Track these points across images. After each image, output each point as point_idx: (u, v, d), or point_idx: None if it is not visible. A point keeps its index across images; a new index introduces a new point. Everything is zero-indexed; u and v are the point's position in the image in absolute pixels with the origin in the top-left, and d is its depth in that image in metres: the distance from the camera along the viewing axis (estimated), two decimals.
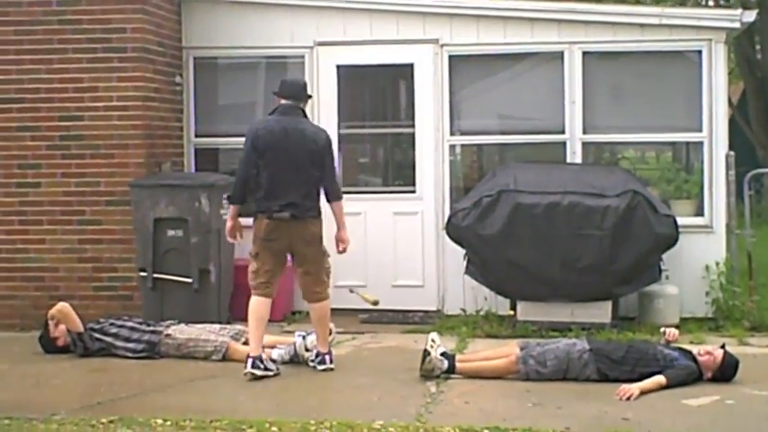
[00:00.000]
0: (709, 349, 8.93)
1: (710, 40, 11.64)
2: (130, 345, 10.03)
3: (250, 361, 9.07)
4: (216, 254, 11.07)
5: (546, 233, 10.78)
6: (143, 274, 11.19)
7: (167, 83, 12.10)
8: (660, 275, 10.98)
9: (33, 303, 11.55)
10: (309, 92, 9.97)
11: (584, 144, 11.92)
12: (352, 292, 11.08)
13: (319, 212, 9.34)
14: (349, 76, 12.40)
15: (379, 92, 13.88)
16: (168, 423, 7.67)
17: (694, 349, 9.03)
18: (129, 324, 10.25)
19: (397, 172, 13.23)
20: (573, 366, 8.87)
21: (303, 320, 11.14)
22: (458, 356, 9.23)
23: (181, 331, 10.13)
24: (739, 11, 11.94)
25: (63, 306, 10.19)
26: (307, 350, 9.55)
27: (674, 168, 12.38)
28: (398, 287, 12.09)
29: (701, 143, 11.77)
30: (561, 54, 11.90)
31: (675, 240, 10.85)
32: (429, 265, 12.07)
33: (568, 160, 11.84)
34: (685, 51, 11.90)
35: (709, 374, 8.79)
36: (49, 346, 10.23)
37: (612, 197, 10.79)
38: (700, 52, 11.70)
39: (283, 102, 9.39)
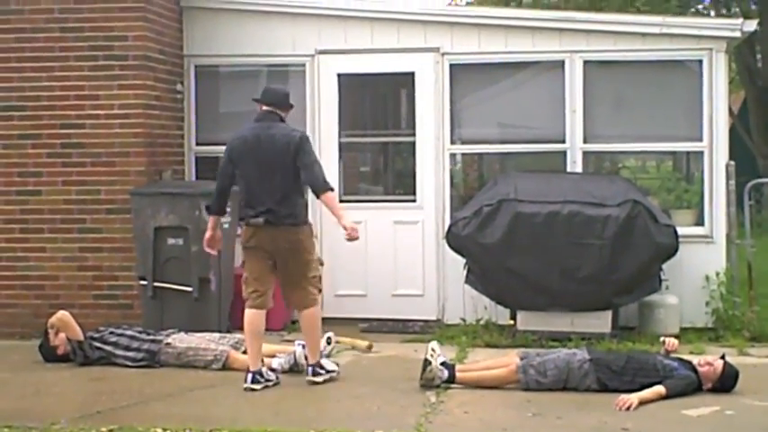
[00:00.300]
0: (709, 360, 8.92)
1: (711, 49, 11.65)
2: (130, 353, 10.03)
3: (250, 376, 9.07)
4: (216, 263, 11.05)
5: (546, 242, 10.78)
6: (143, 282, 11.19)
7: (168, 91, 12.11)
8: (660, 285, 10.97)
9: (33, 312, 11.54)
10: (293, 101, 9.73)
11: (585, 153, 11.93)
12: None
13: (301, 220, 9.14)
14: (350, 85, 12.41)
15: (379, 100, 13.90)
16: None
17: (694, 360, 9.03)
18: (129, 333, 10.25)
19: (397, 181, 13.23)
20: (573, 376, 8.86)
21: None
22: (458, 366, 9.23)
23: (180, 340, 10.12)
24: (740, 20, 11.96)
25: (63, 314, 10.19)
26: (306, 359, 9.54)
27: (674, 178, 12.41)
28: (398, 296, 12.09)
29: (701, 152, 11.77)
30: (562, 63, 11.91)
31: (676, 250, 10.84)
32: (429, 275, 12.07)
33: (569, 169, 11.85)
34: (686, 60, 11.91)
35: (709, 385, 8.78)
36: (49, 354, 10.23)
37: (613, 206, 10.78)
38: (700, 61, 11.71)
39: (264, 109, 9.35)
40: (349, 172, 12.88)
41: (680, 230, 10.95)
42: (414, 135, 12.21)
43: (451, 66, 12.09)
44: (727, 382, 8.80)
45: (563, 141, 11.88)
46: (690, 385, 8.70)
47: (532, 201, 10.93)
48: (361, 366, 10.11)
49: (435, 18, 12.14)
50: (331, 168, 12.07)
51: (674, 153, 13.05)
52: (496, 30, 12.03)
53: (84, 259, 11.64)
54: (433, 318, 12.03)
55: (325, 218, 11.87)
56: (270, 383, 9.09)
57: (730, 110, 17.30)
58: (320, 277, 9.42)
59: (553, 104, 11.97)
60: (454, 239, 11.19)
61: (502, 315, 11.42)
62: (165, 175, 11.91)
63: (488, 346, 10.84)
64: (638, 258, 10.72)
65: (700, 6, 27.75)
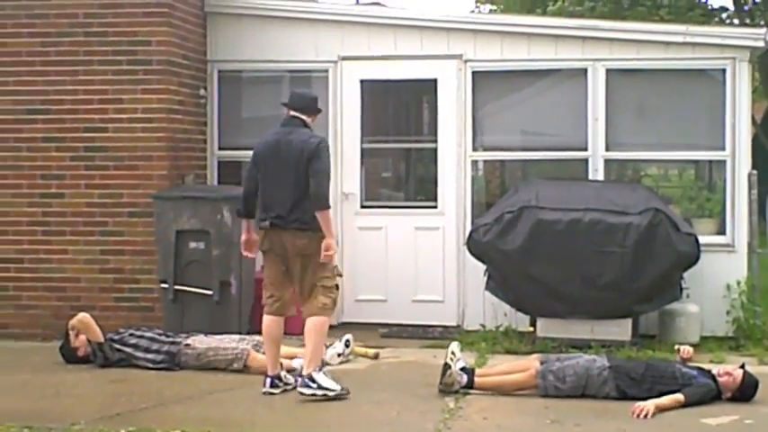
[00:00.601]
0: (728, 369, 8.89)
1: (734, 58, 11.61)
2: (150, 356, 10.06)
3: (268, 380, 9.07)
4: (237, 266, 11.09)
5: (567, 250, 10.76)
6: (164, 285, 11.23)
7: (191, 95, 12.16)
8: (681, 294, 10.94)
9: (55, 313, 11.59)
10: (321, 106, 9.66)
11: (607, 161, 11.91)
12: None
13: (311, 225, 8.86)
14: (372, 91, 12.43)
15: (402, 107, 13.91)
16: None
17: (714, 369, 9.00)
18: (149, 335, 10.29)
19: (419, 187, 13.24)
20: (592, 383, 8.85)
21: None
22: (477, 371, 9.22)
23: (200, 341, 10.16)
24: (764, 30, 11.91)
25: (84, 316, 10.23)
26: (326, 364, 9.54)
27: (696, 186, 12.37)
28: (419, 302, 12.09)
29: (723, 161, 11.74)
30: (585, 71, 11.89)
31: (697, 259, 10.81)
32: (449, 281, 12.07)
33: (590, 177, 11.83)
34: (709, 69, 11.88)
35: (728, 394, 8.75)
36: (70, 356, 10.28)
37: (634, 215, 10.76)
38: (723, 70, 11.67)
39: (290, 113, 9.27)
40: (371, 178, 12.89)
41: (701, 239, 10.91)
42: (436, 142, 12.22)
43: (474, 73, 12.09)
44: (746, 391, 8.77)
45: (585, 149, 11.87)
46: (708, 393, 8.67)
47: (554, 208, 10.92)
48: (380, 372, 10.12)
49: (458, 25, 12.14)
50: (353, 174, 12.13)
51: (696, 162, 12.99)
52: (519, 37, 12.03)
53: (106, 262, 11.70)
54: (453, 324, 12.03)
55: (346, 224, 11.96)
56: (289, 387, 9.07)
57: (753, 119, 17.29)
58: (336, 287, 9.10)
59: (575, 112, 11.95)
60: (475, 246, 11.19)
61: (522, 322, 11.41)
62: (188, 179, 11.95)
63: (508, 352, 10.82)
64: (659, 267, 10.69)
65: (723, 16, 27.66)
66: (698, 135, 11.99)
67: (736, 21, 27.44)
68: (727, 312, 11.40)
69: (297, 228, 8.90)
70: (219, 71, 12.62)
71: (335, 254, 9.02)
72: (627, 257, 10.66)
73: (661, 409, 8.36)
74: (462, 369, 9.02)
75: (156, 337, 10.26)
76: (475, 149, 12.17)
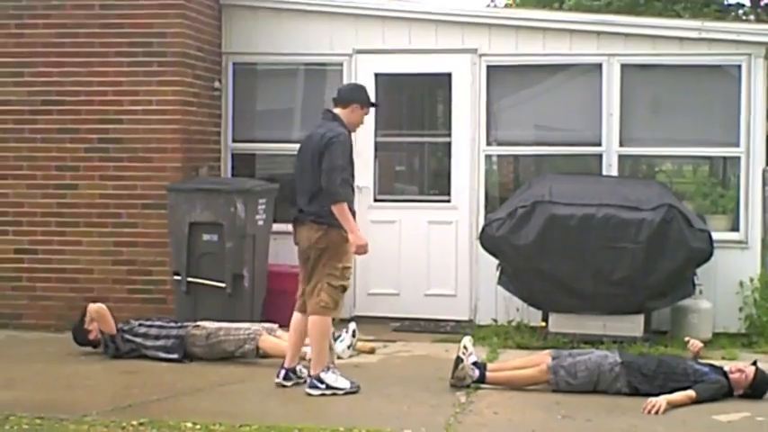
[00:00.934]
0: (740, 366, 8.88)
1: (750, 54, 11.59)
2: (160, 342, 10.10)
3: (282, 372, 9.07)
4: (250, 259, 11.12)
5: (580, 245, 10.75)
6: (177, 277, 11.25)
7: (206, 88, 12.17)
8: (694, 290, 10.94)
9: (68, 304, 11.60)
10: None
11: (621, 157, 11.90)
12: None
13: (326, 221, 8.71)
14: (387, 85, 12.42)
15: (416, 100, 13.89)
16: (198, 427, 7.71)
17: (726, 366, 8.99)
18: (158, 323, 10.34)
19: (432, 181, 13.22)
20: (603, 379, 8.85)
21: (337, 326, 11.08)
22: (489, 365, 9.22)
23: (210, 323, 10.24)
24: None
25: (100, 307, 10.25)
26: (338, 357, 9.55)
27: (710, 183, 12.35)
28: (431, 296, 12.10)
29: (737, 158, 11.73)
30: (599, 66, 11.88)
31: (710, 255, 10.80)
32: (462, 275, 12.08)
33: (604, 173, 11.82)
34: (724, 66, 11.85)
35: (740, 391, 8.75)
36: (81, 336, 10.33)
37: (648, 210, 10.74)
38: (739, 67, 11.65)
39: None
40: (384, 171, 12.89)
41: (715, 235, 10.90)
42: (450, 136, 12.22)
43: (489, 67, 12.08)
44: (758, 388, 8.77)
45: (599, 144, 11.86)
46: (720, 390, 8.67)
47: (567, 203, 10.90)
48: (392, 365, 10.13)
49: (473, 19, 12.13)
50: (367, 167, 12.12)
51: (710, 158, 12.94)
52: (534, 32, 12.02)
53: (120, 253, 11.73)
54: (466, 318, 12.03)
55: (359, 218, 11.96)
56: (301, 380, 9.06)
57: None
58: (342, 288, 8.89)
59: (590, 107, 11.94)
60: (488, 240, 11.18)
61: (534, 317, 11.42)
62: (202, 172, 11.97)
63: (520, 347, 10.82)
64: (672, 263, 10.67)
65: (739, 12, 27.58)
66: (712, 131, 11.97)
67: (752, 17, 27.37)
68: (740, 309, 11.40)
69: (312, 221, 8.83)
70: (234, 64, 12.63)
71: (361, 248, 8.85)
72: (640, 253, 10.64)
73: (673, 406, 8.37)
74: (474, 363, 9.04)
75: (165, 324, 10.31)
76: (489, 144, 12.17)
